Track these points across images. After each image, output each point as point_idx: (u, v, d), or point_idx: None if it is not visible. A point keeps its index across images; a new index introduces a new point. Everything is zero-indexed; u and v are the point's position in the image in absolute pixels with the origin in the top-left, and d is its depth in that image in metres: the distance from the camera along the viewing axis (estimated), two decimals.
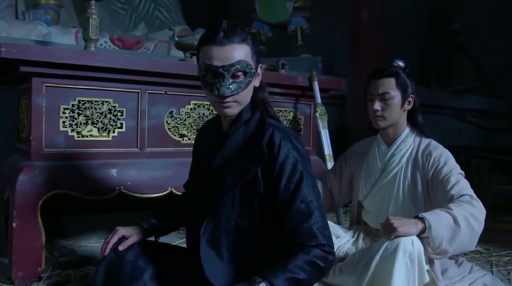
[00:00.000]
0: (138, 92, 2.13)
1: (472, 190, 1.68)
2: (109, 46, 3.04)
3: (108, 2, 3.49)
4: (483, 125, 4.74)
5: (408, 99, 1.84)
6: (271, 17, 4.14)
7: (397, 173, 1.85)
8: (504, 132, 4.77)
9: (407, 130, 1.89)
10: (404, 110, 1.85)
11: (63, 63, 1.90)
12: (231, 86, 1.28)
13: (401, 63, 1.87)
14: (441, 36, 5.43)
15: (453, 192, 1.65)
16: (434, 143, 1.84)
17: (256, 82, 1.37)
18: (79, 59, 1.94)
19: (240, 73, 1.29)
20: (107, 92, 2.07)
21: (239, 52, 1.28)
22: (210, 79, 1.30)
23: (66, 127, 1.99)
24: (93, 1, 2.20)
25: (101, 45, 3.03)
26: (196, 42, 2.41)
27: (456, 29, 5.39)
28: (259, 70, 1.38)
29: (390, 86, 1.80)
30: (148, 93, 2.16)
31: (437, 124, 4.83)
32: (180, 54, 2.64)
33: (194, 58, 2.38)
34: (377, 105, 1.81)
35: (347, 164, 2.08)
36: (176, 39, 2.54)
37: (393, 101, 1.80)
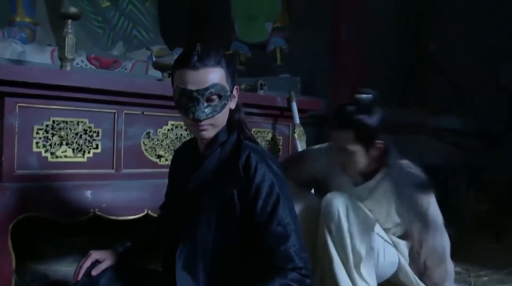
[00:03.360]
0: (114, 113, 2.12)
1: None
2: (86, 65, 3.03)
3: (85, 21, 3.49)
4: (459, 144, 4.83)
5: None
6: (250, 37, 4.20)
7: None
8: (480, 151, 4.87)
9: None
10: None
11: (37, 82, 1.88)
12: (206, 110, 1.29)
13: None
14: (418, 57, 5.56)
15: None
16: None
17: (232, 104, 1.39)
18: (54, 79, 1.93)
19: (214, 97, 1.30)
20: (83, 112, 2.06)
21: (214, 76, 1.29)
22: (185, 102, 1.31)
23: (39, 147, 1.96)
24: (70, 20, 2.19)
25: (77, 64, 3.01)
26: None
27: (432, 50, 5.53)
28: (234, 92, 1.39)
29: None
30: (124, 113, 2.15)
31: (415, 144, 4.90)
32: (158, 74, 2.64)
33: None
34: None
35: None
36: (154, 59, 2.55)
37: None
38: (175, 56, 2.71)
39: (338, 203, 1.66)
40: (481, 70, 5.37)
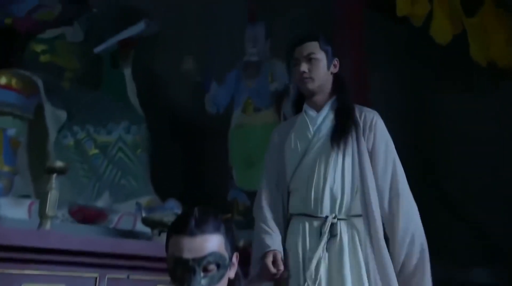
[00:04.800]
0: (96, 277, 2.10)
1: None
2: (67, 219, 3.06)
3: (70, 170, 3.60)
4: None
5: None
6: (249, 185, 4.28)
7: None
8: None
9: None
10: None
11: (11, 245, 1.90)
12: (202, 281, 1.30)
13: None
14: (436, 203, 5.63)
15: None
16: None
17: (231, 273, 1.39)
18: (30, 241, 1.95)
19: (212, 266, 1.32)
20: (60, 277, 2.04)
21: (212, 243, 1.32)
22: (180, 272, 1.32)
23: None
24: (55, 174, 2.26)
25: (57, 218, 3.04)
26: (165, 218, 2.50)
27: (450, 195, 5.61)
28: (234, 259, 1.41)
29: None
30: (107, 277, 2.13)
31: None
32: (147, 229, 2.66)
33: (162, 236, 2.41)
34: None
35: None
36: (143, 212, 2.60)
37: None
38: (166, 210, 2.78)
39: None
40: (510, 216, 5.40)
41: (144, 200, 3.49)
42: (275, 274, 1.84)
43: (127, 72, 4.26)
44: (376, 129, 2.02)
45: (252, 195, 4.40)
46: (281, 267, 1.86)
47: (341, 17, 3.89)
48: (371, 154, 1.99)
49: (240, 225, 4.27)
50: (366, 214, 1.92)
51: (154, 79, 4.89)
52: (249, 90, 4.36)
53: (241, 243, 2.79)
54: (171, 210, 3.05)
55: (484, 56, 3.75)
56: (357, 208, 1.93)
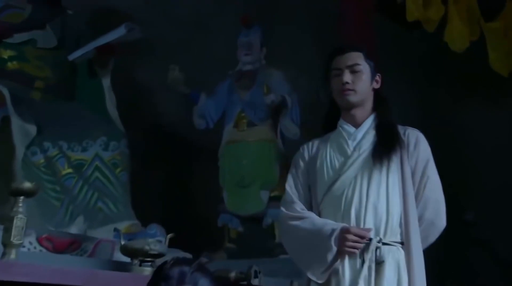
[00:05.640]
0: None
1: None
2: (35, 248, 3.02)
3: (40, 192, 3.57)
4: None
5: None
6: (242, 209, 4.25)
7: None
8: None
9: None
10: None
11: None
12: None
13: None
14: (454, 229, 5.62)
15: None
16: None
17: None
18: None
19: None
20: None
21: None
22: None
23: None
24: (22, 197, 2.22)
25: (24, 246, 3.00)
26: (146, 247, 2.47)
27: (470, 220, 5.62)
28: None
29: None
30: None
31: None
32: (127, 258, 2.63)
33: (144, 266, 2.39)
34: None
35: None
36: (122, 240, 2.57)
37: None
38: (148, 237, 2.75)
39: None
40: None
41: (123, 226, 3.45)
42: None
43: (106, 82, 4.22)
44: (419, 148, 2.06)
45: (245, 220, 4.40)
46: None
47: (348, 22, 3.90)
48: (412, 175, 2.02)
49: (232, 254, 4.23)
50: (407, 242, 1.92)
51: (136, 90, 4.87)
52: (242, 102, 4.35)
53: (232, 275, 2.77)
54: (154, 237, 3.01)
55: (505, 65, 3.76)
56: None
